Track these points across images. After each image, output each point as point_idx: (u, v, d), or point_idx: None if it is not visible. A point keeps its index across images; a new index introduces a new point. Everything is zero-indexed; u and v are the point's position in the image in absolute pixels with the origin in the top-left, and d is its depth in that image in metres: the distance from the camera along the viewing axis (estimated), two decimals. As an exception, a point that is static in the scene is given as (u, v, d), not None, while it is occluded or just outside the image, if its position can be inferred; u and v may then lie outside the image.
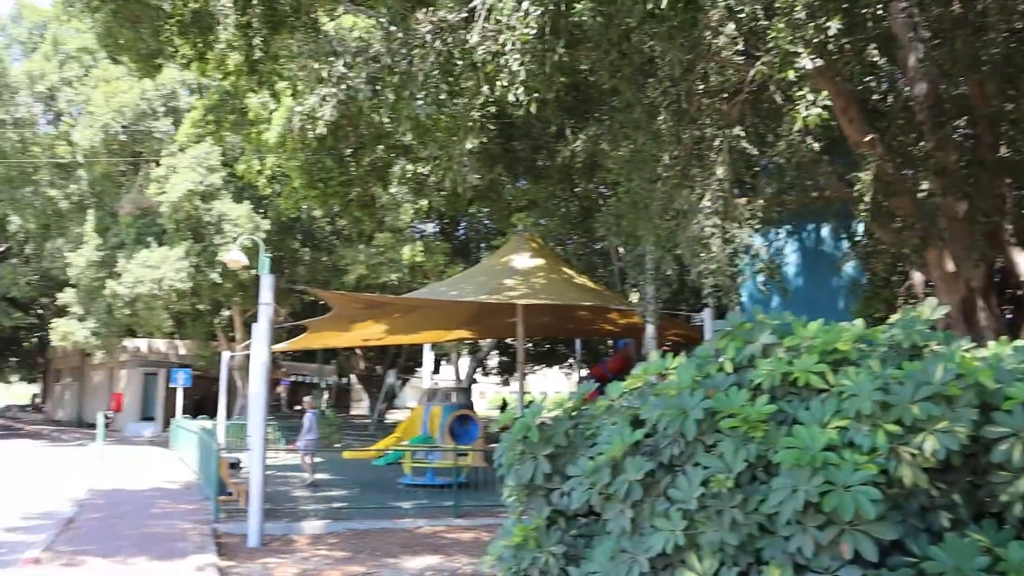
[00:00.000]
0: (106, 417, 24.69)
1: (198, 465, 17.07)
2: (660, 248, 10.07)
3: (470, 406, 21.55)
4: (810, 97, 6.59)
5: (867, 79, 9.04)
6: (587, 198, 19.72)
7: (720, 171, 8.42)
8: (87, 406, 42.26)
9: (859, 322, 3.37)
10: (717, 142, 8.10)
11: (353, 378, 46.76)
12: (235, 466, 16.85)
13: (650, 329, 14.04)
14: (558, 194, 17.91)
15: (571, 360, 40.23)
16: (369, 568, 9.67)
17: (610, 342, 31.66)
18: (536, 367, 43.44)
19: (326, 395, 36.16)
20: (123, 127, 26.44)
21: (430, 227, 29.86)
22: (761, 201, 9.44)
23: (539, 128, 15.36)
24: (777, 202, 9.96)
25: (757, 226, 8.93)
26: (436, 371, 38.23)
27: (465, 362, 38.05)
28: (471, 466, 16.67)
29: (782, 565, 2.75)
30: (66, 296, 28.66)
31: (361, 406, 51.51)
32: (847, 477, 2.72)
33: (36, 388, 59.00)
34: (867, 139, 8.17)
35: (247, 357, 26.39)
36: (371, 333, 19.84)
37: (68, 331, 28.32)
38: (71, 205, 28.71)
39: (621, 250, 22.48)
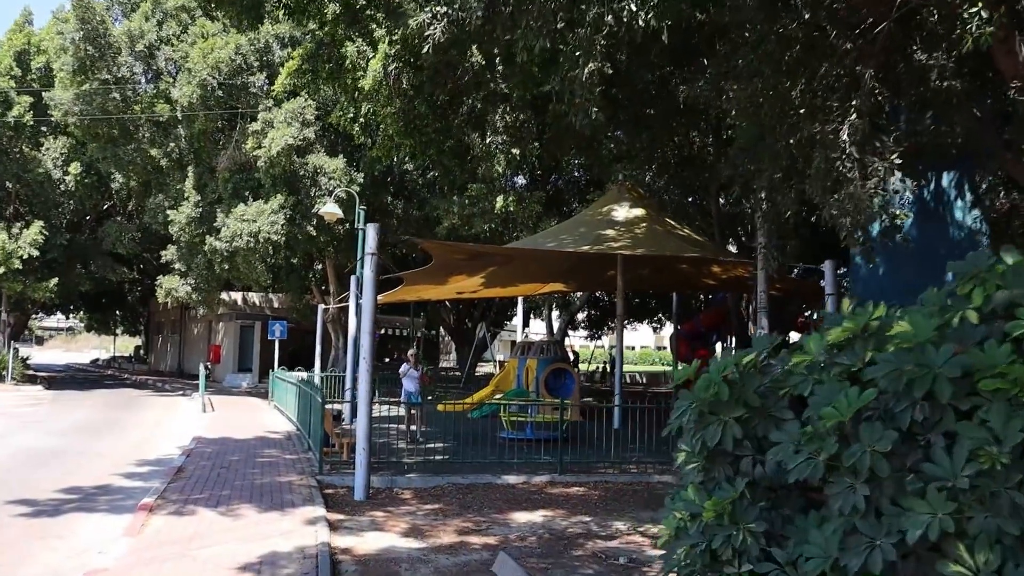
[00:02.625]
0: (205, 368, 25.29)
1: (298, 416, 17.20)
2: (783, 189, 9.42)
3: (565, 359, 21.20)
4: (984, 15, 5.84)
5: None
6: (687, 147, 18.91)
7: (857, 102, 7.70)
8: (187, 357, 43.69)
9: None
10: (865, 75, 7.36)
11: (442, 330, 47.00)
12: (336, 418, 16.94)
13: (761, 280, 13.30)
14: (657, 143, 17.17)
15: (660, 315, 39.50)
16: (478, 524, 9.44)
17: (702, 296, 30.90)
18: (626, 321, 42.81)
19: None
20: (219, 83, 26.58)
21: (520, 180, 29.32)
22: (905, 143, 8.65)
23: (639, 77, 14.64)
24: (920, 144, 9.15)
25: (899, 163, 8.14)
26: (526, 325, 38.04)
27: (556, 316, 37.75)
28: (569, 420, 16.37)
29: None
30: (168, 252, 29.28)
31: (449, 359, 51.80)
32: None
33: (139, 340, 61.25)
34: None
35: (340, 310, 26.59)
36: (466, 285, 19.60)
37: (171, 287, 29.04)
38: (171, 162, 29.12)
39: (721, 201, 21.69)
